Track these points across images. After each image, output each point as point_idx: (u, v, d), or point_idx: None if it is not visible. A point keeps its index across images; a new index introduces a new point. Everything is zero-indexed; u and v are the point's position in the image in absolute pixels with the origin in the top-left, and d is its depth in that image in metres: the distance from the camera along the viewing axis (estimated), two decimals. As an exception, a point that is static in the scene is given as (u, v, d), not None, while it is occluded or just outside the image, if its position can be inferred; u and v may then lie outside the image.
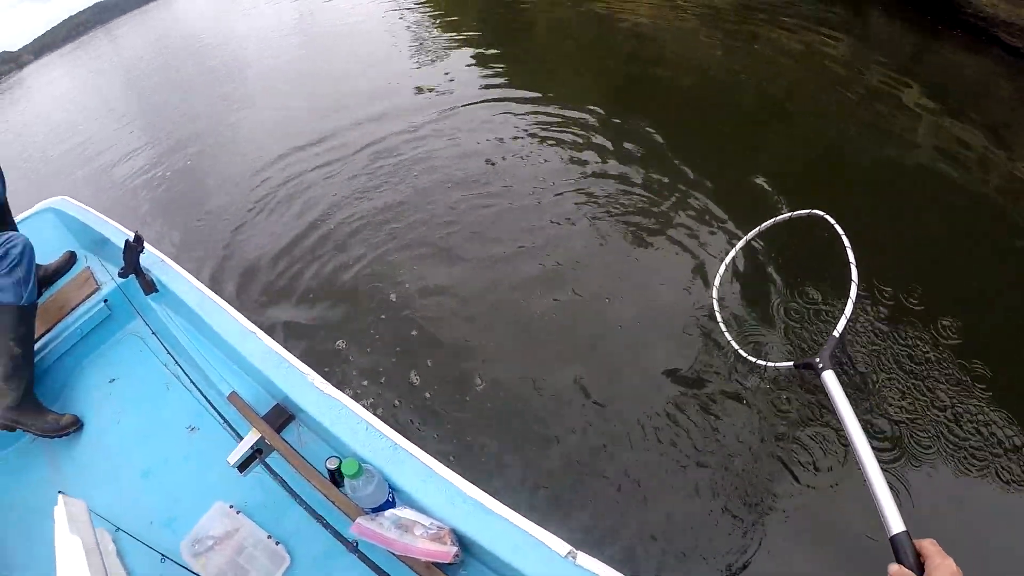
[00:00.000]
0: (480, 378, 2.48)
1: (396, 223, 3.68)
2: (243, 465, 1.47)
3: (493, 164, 4.08)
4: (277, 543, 1.47)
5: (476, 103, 5.25)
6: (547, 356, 2.56)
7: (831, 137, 3.81)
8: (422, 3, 10.17)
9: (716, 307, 2.33)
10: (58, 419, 1.93)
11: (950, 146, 3.49)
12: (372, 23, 9.75)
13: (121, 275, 1.96)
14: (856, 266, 1.83)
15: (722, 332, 2.25)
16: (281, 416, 1.54)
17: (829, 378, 1.62)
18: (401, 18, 9.38)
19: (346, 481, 1.23)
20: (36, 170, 9.04)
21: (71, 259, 2.43)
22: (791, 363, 1.92)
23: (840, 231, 1.91)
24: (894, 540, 1.05)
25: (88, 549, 1.31)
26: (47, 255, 2.39)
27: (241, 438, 1.59)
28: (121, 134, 8.47)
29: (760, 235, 2.38)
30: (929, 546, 0.99)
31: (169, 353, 1.87)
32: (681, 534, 1.89)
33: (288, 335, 2.93)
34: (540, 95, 5.20)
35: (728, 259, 2.42)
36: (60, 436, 1.93)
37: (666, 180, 3.53)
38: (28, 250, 1.95)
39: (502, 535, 1.13)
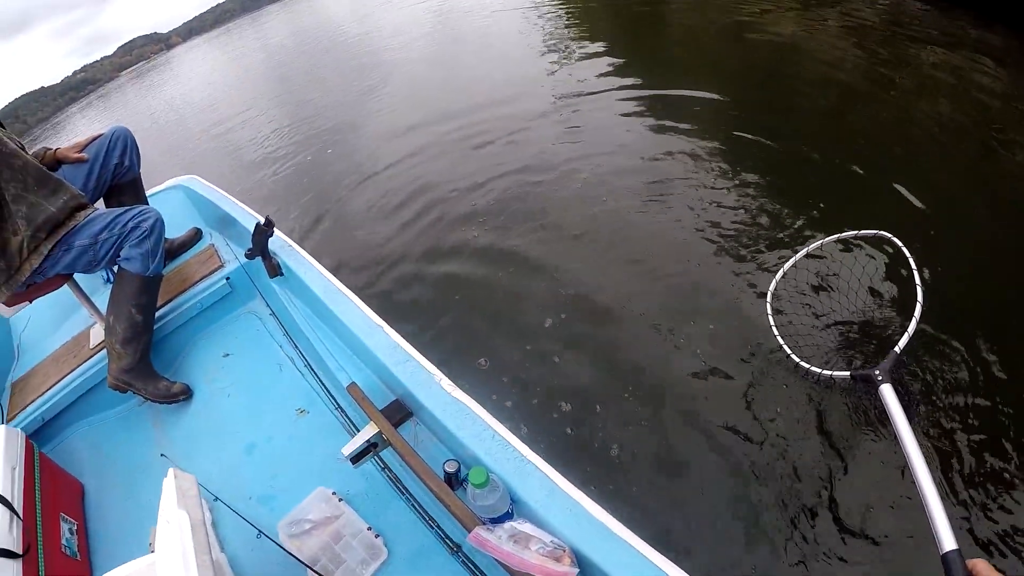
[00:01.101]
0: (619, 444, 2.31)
1: (553, 239, 3.59)
2: (356, 458, 1.49)
3: (648, 181, 3.98)
4: (377, 536, 1.48)
5: (601, 95, 5.51)
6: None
7: (973, 174, 3.53)
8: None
9: (770, 311, 2.33)
10: (170, 386, 2.02)
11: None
12: (507, 23, 10.18)
13: (248, 256, 2.04)
14: (922, 286, 1.87)
15: (776, 338, 2.25)
16: (399, 412, 1.56)
17: (887, 391, 1.63)
18: (535, 16, 9.79)
19: (469, 489, 1.23)
20: (174, 145, 9.61)
21: (197, 235, 2.55)
22: (847, 373, 1.91)
23: (907, 252, 1.96)
24: (946, 558, 1.03)
25: (195, 525, 1.35)
26: (174, 229, 2.52)
27: (353, 428, 1.63)
28: (258, 119, 9.02)
29: (822, 249, 2.41)
30: (980, 565, 0.95)
31: (287, 335, 1.93)
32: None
33: (424, 341, 2.85)
34: (667, 97, 5.27)
35: (787, 267, 2.40)
36: (169, 402, 2.01)
37: (782, 207, 3.40)
38: (159, 225, 2.04)
39: (626, 561, 1.11)
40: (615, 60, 6.65)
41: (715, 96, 5.10)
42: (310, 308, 1.98)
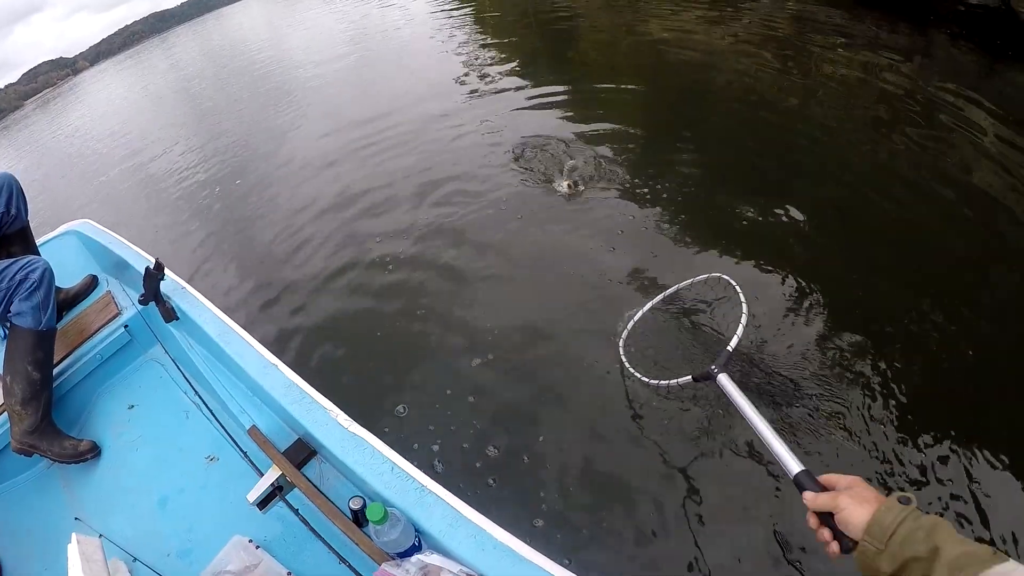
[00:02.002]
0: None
1: (467, 272, 3.47)
2: (263, 503, 1.44)
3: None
4: (296, 580, 1.45)
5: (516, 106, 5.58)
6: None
7: (879, 162, 3.75)
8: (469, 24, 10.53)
9: (622, 352, 2.52)
10: (76, 445, 1.92)
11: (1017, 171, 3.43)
12: (422, 44, 10.06)
13: (141, 302, 1.95)
14: (746, 304, 2.06)
15: (627, 368, 2.42)
16: (302, 452, 1.52)
17: (723, 378, 1.73)
18: (451, 42, 9.60)
19: (371, 526, 1.20)
20: (80, 180, 9.17)
21: (92, 283, 2.43)
22: (689, 377, 2.01)
23: (736, 287, 2.16)
24: (797, 479, 1.07)
25: (102, 590, 1.30)
26: (69, 278, 2.40)
27: (261, 472, 1.58)
28: (169, 149, 8.58)
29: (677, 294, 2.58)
30: (830, 475, 1.01)
31: (188, 381, 1.86)
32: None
33: (343, 392, 2.68)
34: (579, 112, 5.31)
35: (637, 317, 2.59)
36: (78, 462, 1.91)
37: (692, 215, 3.53)
38: (48, 275, 1.94)
39: None
40: (530, 72, 6.73)
41: (626, 109, 5.19)
42: (208, 351, 1.91)
